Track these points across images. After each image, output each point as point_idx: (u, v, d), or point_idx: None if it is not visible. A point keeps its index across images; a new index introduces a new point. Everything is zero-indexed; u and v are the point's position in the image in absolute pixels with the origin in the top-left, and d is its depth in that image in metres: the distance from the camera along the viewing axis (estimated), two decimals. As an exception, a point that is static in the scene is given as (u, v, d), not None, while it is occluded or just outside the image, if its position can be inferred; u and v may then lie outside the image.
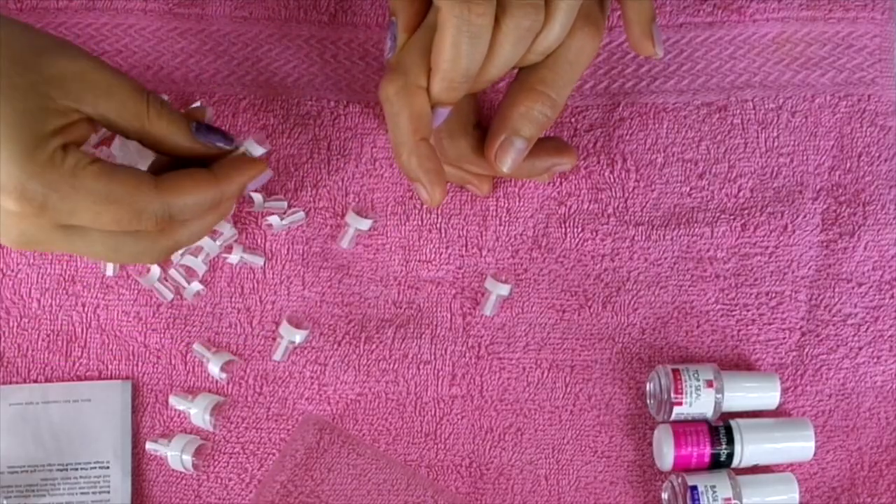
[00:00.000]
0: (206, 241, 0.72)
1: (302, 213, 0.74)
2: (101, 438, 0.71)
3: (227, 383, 0.72)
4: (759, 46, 0.77)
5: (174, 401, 0.72)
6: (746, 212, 0.74)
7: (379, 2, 0.77)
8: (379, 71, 0.76)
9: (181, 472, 0.71)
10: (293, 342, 0.72)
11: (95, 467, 0.71)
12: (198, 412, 0.71)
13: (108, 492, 0.71)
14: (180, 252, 0.72)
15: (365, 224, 0.73)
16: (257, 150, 0.68)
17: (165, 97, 0.73)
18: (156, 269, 0.72)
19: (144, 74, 0.76)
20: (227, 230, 0.72)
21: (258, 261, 0.73)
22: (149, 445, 0.71)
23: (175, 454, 0.71)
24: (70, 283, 0.73)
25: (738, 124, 0.76)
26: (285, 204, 0.74)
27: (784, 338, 0.73)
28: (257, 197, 0.73)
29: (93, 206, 0.59)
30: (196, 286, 0.72)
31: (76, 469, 0.71)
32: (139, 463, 0.72)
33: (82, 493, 0.71)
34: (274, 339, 0.73)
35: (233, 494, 0.72)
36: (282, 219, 0.73)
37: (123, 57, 0.76)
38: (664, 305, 0.73)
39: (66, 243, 0.61)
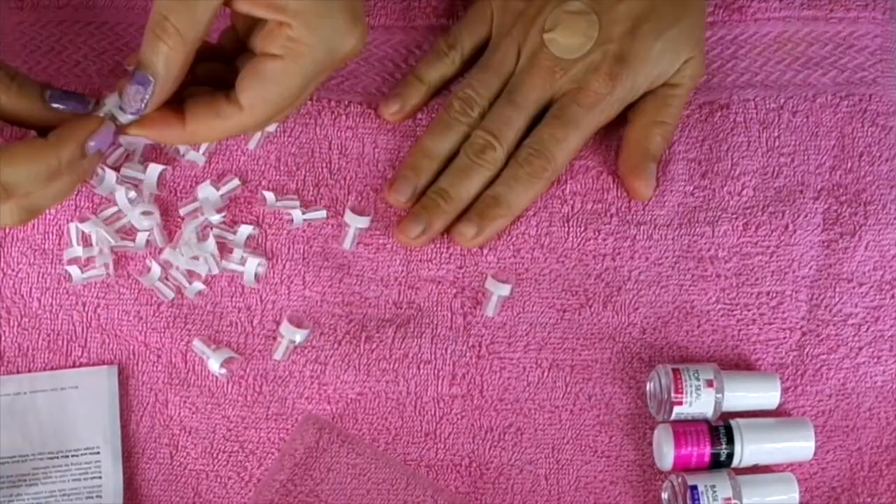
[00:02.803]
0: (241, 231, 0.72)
1: (324, 212, 0.74)
2: (90, 425, 0.71)
3: (227, 382, 0.72)
4: (761, 46, 0.77)
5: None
6: (748, 211, 0.74)
7: (380, 2, 0.77)
8: (379, 70, 0.76)
9: (181, 472, 0.72)
10: (294, 341, 0.72)
11: (86, 454, 0.71)
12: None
13: (100, 477, 0.71)
14: (183, 253, 0.72)
15: (364, 222, 0.73)
16: (124, 117, 0.62)
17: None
18: (156, 269, 0.72)
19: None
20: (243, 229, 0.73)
21: (259, 260, 0.73)
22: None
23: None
24: (70, 282, 0.73)
25: (740, 123, 0.76)
26: (298, 203, 0.74)
27: (784, 338, 0.73)
28: (269, 196, 0.73)
29: None
30: (198, 286, 0.72)
31: (67, 456, 0.71)
32: (133, 452, 0.72)
33: (74, 480, 0.71)
34: (274, 338, 0.73)
35: (232, 493, 0.72)
36: (303, 213, 0.73)
37: (123, 56, 0.76)
38: (665, 305, 0.73)
39: None
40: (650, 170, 0.73)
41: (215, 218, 0.72)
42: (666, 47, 0.72)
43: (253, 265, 0.72)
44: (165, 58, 0.60)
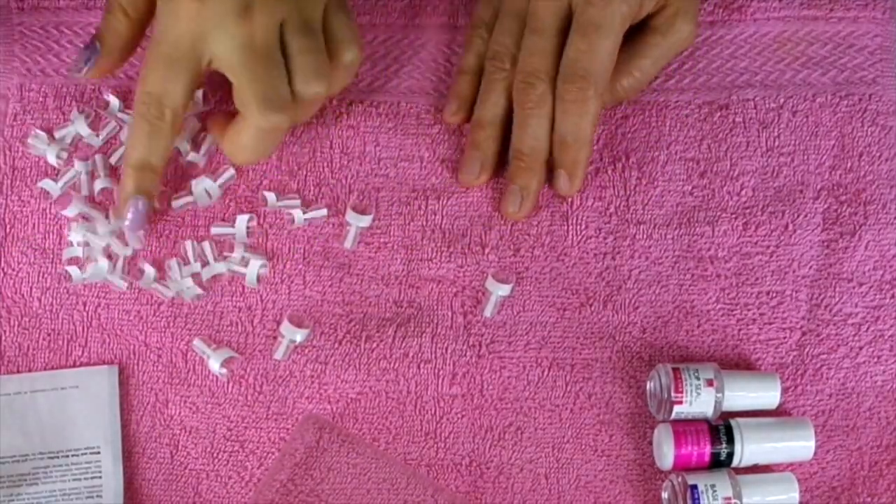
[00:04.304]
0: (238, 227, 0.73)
1: (325, 210, 0.74)
2: (91, 424, 0.71)
3: (228, 381, 0.72)
4: (761, 46, 0.77)
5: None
6: (748, 211, 0.74)
7: (381, 1, 0.77)
8: (382, 69, 0.76)
9: (181, 472, 0.72)
10: (294, 341, 0.72)
11: (86, 453, 0.71)
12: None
13: (100, 477, 0.71)
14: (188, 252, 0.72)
15: (365, 220, 0.73)
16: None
17: None
18: (150, 271, 0.72)
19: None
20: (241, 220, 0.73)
21: (260, 260, 0.73)
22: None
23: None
24: (70, 281, 0.73)
25: (739, 123, 0.76)
26: (299, 202, 0.74)
27: (784, 337, 0.73)
28: (270, 196, 0.73)
29: None
30: (196, 289, 0.72)
31: (67, 456, 0.71)
32: (133, 452, 0.72)
33: (74, 480, 0.71)
34: (275, 337, 0.73)
35: (232, 493, 0.72)
36: (304, 213, 0.73)
37: (124, 55, 0.76)
38: (665, 304, 0.73)
39: None
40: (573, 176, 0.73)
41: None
42: None
43: (255, 267, 0.72)
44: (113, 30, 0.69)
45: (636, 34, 0.73)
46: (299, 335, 0.71)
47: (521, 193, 0.72)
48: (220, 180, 0.73)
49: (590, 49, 0.70)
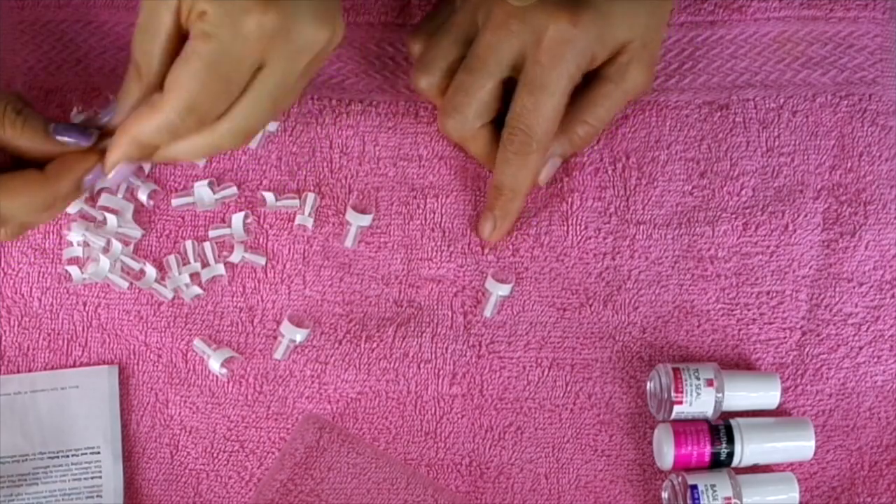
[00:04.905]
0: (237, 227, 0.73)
1: (314, 195, 0.74)
2: (91, 424, 0.71)
3: (228, 381, 0.72)
4: (761, 46, 0.77)
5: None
6: (748, 211, 0.74)
7: (381, 0, 0.77)
8: (379, 68, 0.76)
9: (181, 471, 0.72)
10: (294, 341, 0.72)
11: (87, 453, 0.71)
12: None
13: (101, 477, 0.71)
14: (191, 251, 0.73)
15: (366, 220, 0.73)
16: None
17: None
18: (151, 271, 0.72)
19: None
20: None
21: (260, 260, 0.73)
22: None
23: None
24: (70, 281, 0.73)
25: (739, 123, 0.76)
26: (297, 203, 0.74)
27: (784, 337, 0.73)
28: (269, 196, 0.73)
29: None
30: (195, 289, 0.72)
31: (67, 456, 0.71)
32: (133, 452, 0.72)
33: (74, 480, 0.71)
34: (275, 337, 0.73)
35: (232, 493, 0.72)
36: (277, 199, 0.74)
37: (124, 55, 0.75)
38: (665, 304, 0.73)
39: None
40: (551, 164, 0.73)
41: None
42: (631, 7, 0.69)
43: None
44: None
45: (591, 81, 0.71)
46: (299, 335, 0.71)
47: (496, 222, 0.72)
48: (219, 195, 0.73)
49: (535, 108, 0.69)
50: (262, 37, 0.60)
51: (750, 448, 0.69)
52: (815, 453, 0.70)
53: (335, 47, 0.63)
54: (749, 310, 0.73)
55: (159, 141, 0.63)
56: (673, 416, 0.70)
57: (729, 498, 0.68)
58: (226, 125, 0.63)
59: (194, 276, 0.73)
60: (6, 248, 0.73)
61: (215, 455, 0.72)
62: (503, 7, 0.68)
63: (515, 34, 0.68)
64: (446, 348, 0.73)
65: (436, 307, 0.73)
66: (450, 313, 0.73)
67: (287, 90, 0.63)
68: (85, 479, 0.71)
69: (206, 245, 0.73)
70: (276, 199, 0.74)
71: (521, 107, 0.69)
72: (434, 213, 0.74)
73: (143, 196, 0.73)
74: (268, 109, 0.63)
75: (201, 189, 0.73)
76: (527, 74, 0.69)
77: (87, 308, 0.73)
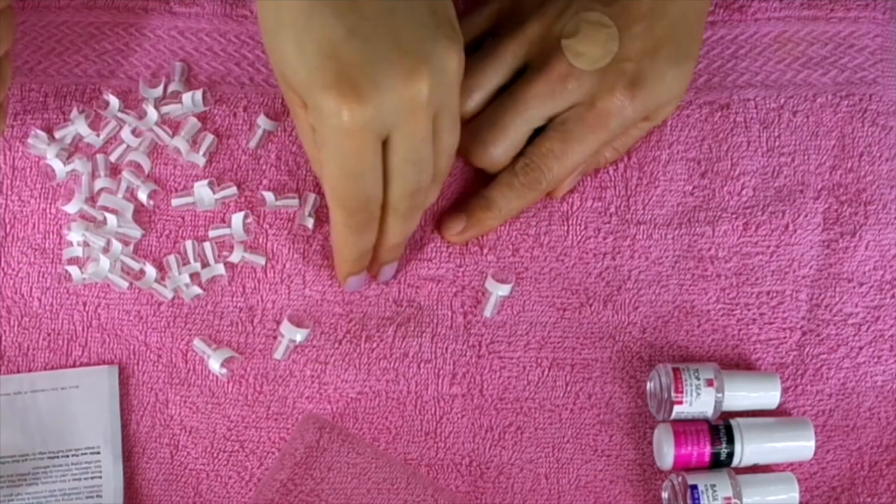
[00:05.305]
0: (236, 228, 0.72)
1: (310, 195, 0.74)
2: (91, 424, 0.71)
3: (228, 381, 0.72)
4: (761, 46, 0.77)
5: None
6: (748, 211, 0.74)
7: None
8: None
9: (181, 471, 0.72)
10: (294, 341, 0.72)
11: (86, 453, 0.71)
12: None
13: (101, 477, 0.71)
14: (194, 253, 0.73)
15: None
16: None
17: None
18: (151, 271, 0.73)
19: (144, 74, 0.76)
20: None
21: (259, 260, 0.73)
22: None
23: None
24: (70, 281, 0.73)
25: (740, 122, 0.76)
26: (298, 202, 0.74)
27: (785, 337, 0.73)
28: (269, 196, 0.73)
29: None
30: (195, 289, 0.73)
31: (67, 456, 0.71)
32: (133, 452, 0.72)
33: (74, 480, 0.71)
34: (275, 337, 0.73)
35: (232, 493, 0.72)
36: (276, 199, 0.74)
37: (123, 55, 0.76)
38: (665, 304, 0.73)
39: None
40: (572, 180, 0.73)
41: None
42: (676, 77, 0.70)
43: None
44: None
45: None
46: (299, 335, 0.72)
47: (467, 229, 0.73)
48: (219, 195, 0.73)
49: (562, 156, 0.70)
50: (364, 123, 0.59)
51: (750, 448, 0.69)
52: (815, 453, 0.70)
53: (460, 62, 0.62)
54: (749, 310, 0.73)
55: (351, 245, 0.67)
56: (673, 416, 0.70)
57: (729, 498, 0.68)
58: (430, 198, 0.69)
59: (194, 276, 0.73)
60: (6, 248, 0.73)
61: (215, 455, 0.72)
62: (563, 61, 0.69)
63: (570, 93, 0.69)
64: (446, 348, 0.73)
65: (436, 307, 0.73)
66: (450, 313, 0.73)
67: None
68: (85, 479, 0.71)
69: (206, 245, 0.73)
70: (276, 199, 0.74)
71: (547, 149, 0.70)
72: (434, 213, 0.74)
73: (143, 196, 0.73)
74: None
75: (201, 189, 0.73)
76: (565, 124, 0.70)
77: (87, 308, 0.73)
